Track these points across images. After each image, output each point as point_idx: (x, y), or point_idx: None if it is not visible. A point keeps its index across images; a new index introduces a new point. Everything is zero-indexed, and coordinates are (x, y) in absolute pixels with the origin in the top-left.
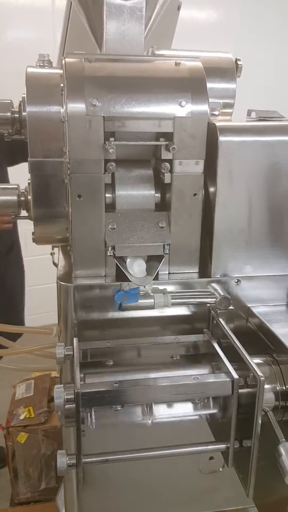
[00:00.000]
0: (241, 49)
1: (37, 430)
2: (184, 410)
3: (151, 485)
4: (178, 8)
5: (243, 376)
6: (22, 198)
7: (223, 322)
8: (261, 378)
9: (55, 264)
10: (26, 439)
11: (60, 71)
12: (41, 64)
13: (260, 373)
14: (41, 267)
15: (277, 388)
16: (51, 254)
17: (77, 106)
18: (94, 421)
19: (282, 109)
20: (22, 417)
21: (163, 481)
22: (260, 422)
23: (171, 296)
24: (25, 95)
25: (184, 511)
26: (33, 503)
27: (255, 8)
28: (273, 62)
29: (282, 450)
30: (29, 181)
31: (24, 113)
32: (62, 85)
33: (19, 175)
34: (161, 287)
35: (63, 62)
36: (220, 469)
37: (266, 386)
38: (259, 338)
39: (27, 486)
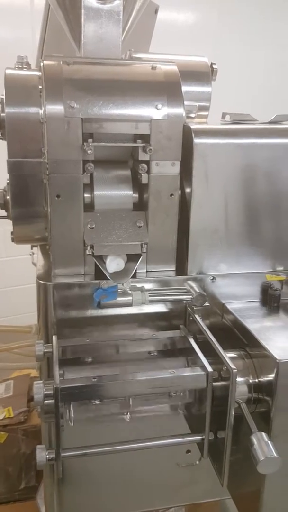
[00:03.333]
0: (219, 51)
1: (17, 430)
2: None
3: (129, 480)
4: (156, 12)
5: (218, 370)
6: (1, 198)
7: (198, 318)
8: (234, 371)
9: (34, 264)
10: (6, 439)
11: (39, 73)
12: (20, 66)
13: (232, 366)
14: (21, 267)
15: (250, 381)
16: (31, 254)
17: (56, 108)
18: (73, 416)
19: (261, 111)
20: (1, 416)
21: (141, 476)
22: (233, 413)
23: (149, 293)
24: (3, 97)
25: (163, 504)
26: (13, 502)
27: (233, 10)
28: (251, 63)
29: (254, 440)
30: (8, 181)
31: (2, 114)
32: (40, 87)
33: None
34: (139, 285)
35: (42, 64)
36: (197, 462)
37: (240, 379)
38: (233, 333)
39: (6, 485)
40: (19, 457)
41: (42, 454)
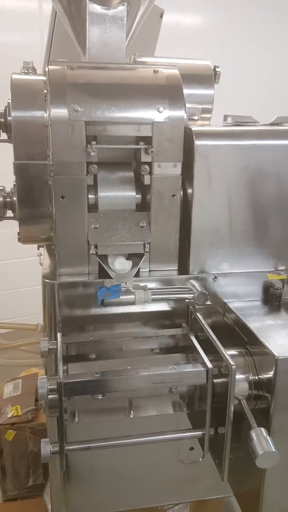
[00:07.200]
0: (225, 53)
1: (25, 428)
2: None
3: (134, 476)
4: (161, 16)
5: (218, 367)
6: (8, 199)
7: (200, 316)
8: (233, 367)
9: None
10: (14, 437)
11: (44, 78)
12: (26, 71)
13: (231, 362)
14: (29, 269)
15: (250, 377)
16: (38, 255)
17: (60, 111)
18: (76, 412)
19: (270, 113)
20: (9, 415)
21: (145, 472)
22: (232, 408)
23: (151, 292)
24: (10, 101)
25: (167, 501)
26: (21, 499)
27: (239, 13)
28: (257, 66)
29: (253, 435)
30: (14, 183)
31: (9, 118)
32: (45, 91)
33: (4, 177)
34: (141, 284)
35: (47, 69)
36: (200, 459)
37: (240, 376)
38: (235, 332)
39: (14, 483)
40: (27, 455)
41: (46, 448)
